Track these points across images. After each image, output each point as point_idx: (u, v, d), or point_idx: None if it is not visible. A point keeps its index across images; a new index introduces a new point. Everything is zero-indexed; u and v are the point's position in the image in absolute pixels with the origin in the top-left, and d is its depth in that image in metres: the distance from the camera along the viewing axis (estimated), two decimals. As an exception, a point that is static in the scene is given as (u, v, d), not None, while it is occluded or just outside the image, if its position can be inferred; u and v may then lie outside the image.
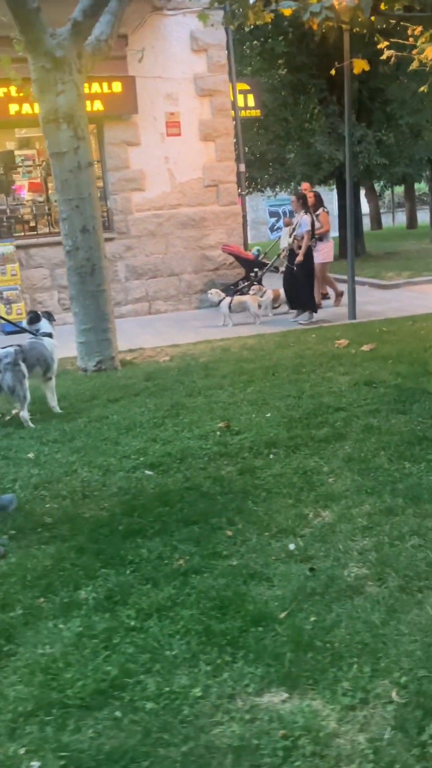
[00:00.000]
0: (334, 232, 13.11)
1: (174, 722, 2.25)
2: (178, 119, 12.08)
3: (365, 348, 7.43)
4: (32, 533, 3.65)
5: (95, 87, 11.26)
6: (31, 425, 5.52)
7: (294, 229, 9.89)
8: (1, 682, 2.48)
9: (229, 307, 10.19)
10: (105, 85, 11.37)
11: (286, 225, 10.53)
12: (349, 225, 9.66)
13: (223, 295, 10.40)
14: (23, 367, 5.43)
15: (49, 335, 6.01)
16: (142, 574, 3.16)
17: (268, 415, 5.33)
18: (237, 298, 10.46)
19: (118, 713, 2.30)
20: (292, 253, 9.92)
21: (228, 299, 10.27)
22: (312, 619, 2.75)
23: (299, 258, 9.65)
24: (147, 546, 3.41)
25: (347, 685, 2.36)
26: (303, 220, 9.73)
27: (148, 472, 4.38)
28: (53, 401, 5.97)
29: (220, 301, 10.24)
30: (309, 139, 16.11)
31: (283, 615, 2.78)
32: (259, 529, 3.54)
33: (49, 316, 6.36)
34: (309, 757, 2.08)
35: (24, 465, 4.64)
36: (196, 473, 4.30)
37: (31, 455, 4.81)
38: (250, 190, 19.12)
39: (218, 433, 5.00)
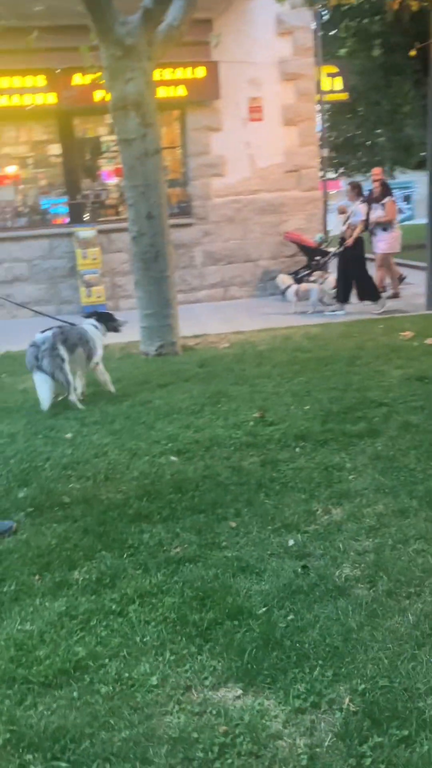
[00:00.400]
0: (423, 219, 12.68)
1: (123, 708, 2.29)
2: (260, 104, 11.98)
3: (429, 341, 7.18)
4: (48, 511, 3.78)
5: (179, 72, 11.34)
6: (80, 407, 5.68)
7: (348, 218, 9.67)
8: (-25, 653, 2.60)
9: (296, 295, 10.08)
10: (189, 70, 11.41)
11: (340, 213, 10.30)
12: (429, 212, 9.34)
13: (290, 282, 10.30)
14: (62, 350, 5.53)
15: (94, 326, 6.05)
16: (137, 559, 3.22)
17: (307, 407, 5.26)
18: (303, 285, 10.33)
19: (75, 694, 2.37)
20: (343, 242, 9.74)
21: (295, 286, 10.17)
22: (289, 617, 2.73)
23: (348, 242, 9.54)
24: (150, 531, 3.47)
25: (302, 688, 2.33)
26: (357, 209, 9.58)
27: (172, 458, 4.43)
28: (107, 384, 6.09)
29: (287, 288, 10.15)
30: (400, 123, 15.57)
31: (261, 611, 2.77)
32: (263, 522, 3.52)
33: (108, 318, 6.32)
34: (244, 755, 2.08)
35: (60, 445, 4.80)
36: (218, 462, 4.32)
37: (69, 435, 4.97)
38: (338, 174, 18.73)
39: (251, 423, 4.98)
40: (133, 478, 4.15)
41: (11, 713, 2.28)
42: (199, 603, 2.83)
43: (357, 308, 9.95)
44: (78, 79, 10.97)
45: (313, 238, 12.13)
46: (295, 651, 2.52)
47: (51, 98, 11.22)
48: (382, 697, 2.27)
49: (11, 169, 12.12)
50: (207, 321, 9.90)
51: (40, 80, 11.11)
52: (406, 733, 2.12)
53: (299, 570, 3.06)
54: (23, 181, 12.23)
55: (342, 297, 9.89)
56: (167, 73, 11.27)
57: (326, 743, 2.10)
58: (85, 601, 2.90)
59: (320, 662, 2.46)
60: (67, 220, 12.02)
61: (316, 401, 5.40)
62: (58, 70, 10.97)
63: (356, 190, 9.83)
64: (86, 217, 12.03)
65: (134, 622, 2.74)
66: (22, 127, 12.01)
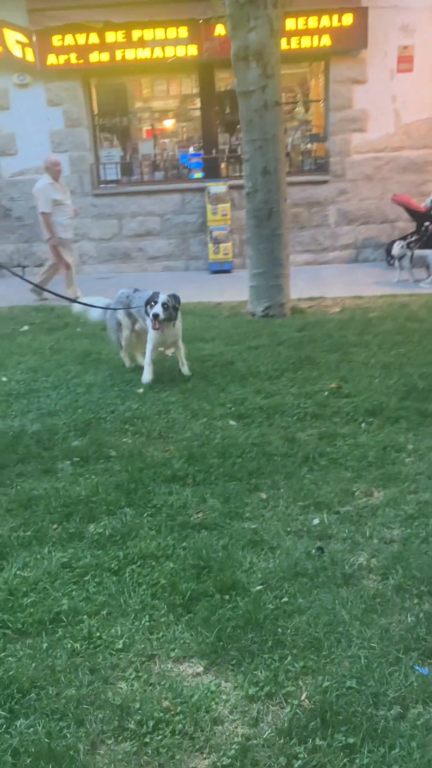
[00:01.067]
0: None
1: (82, 667, 2.29)
2: (411, 53, 11.16)
3: None
4: (92, 463, 3.84)
5: (324, 20, 10.81)
6: (127, 365, 5.63)
7: None
8: (-31, 591, 2.70)
9: (410, 261, 9.45)
10: (335, 17, 10.83)
11: None
12: None
13: (405, 248, 9.65)
14: (119, 313, 5.46)
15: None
16: (155, 520, 3.20)
17: (392, 381, 4.93)
18: (418, 252, 9.64)
19: (44, 645, 2.40)
20: None
21: (409, 252, 9.51)
22: (282, 599, 2.59)
23: None
24: (178, 493, 3.43)
25: (263, 675, 2.21)
26: None
27: (231, 422, 4.34)
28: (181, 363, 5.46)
29: (402, 256, 9.52)
30: None
31: (256, 589, 2.65)
32: (295, 497, 3.36)
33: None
34: (177, 735, 2.01)
35: (129, 399, 4.85)
36: (274, 431, 4.17)
37: (140, 390, 5.01)
38: None
39: (326, 393, 4.75)
40: (183, 439, 4.10)
41: (-23, 655, 2.35)
42: (196, 572, 2.76)
43: None
44: (220, 30, 10.77)
45: (423, 203, 11.23)
46: (273, 636, 2.39)
47: (192, 50, 11.14)
48: (343, 699, 2.10)
49: (152, 123, 12.25)
50: (330, 284, 9.56)
51: (183, 31, 11.04)
52: (351, 740, 1.95)
53: (313, 551, 2.90)
54: (163, 135, 12.33)
55: None
56: (311, 22, 10.78)
57: (264, 736, 1.99)
58: (89, 555, 2.93)
59: (294, 652, 2.32)
60: (202, 174, 11.99)
61: (404, 375, 5.05)
62: (201, 21, 10.83)
63: None
64: (220, 173, 11.93)
65: (126, 583, 2.72)
66: (164, 80, 12.04)
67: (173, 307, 5.07)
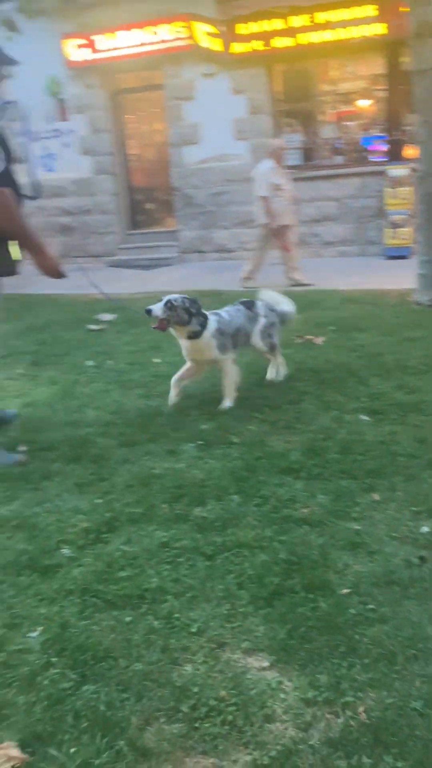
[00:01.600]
0: None
1: (155, 645, 2.38)
2: None
3: None
4: (214, 447, 3.92)
5: None
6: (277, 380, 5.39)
7: None
8: (70, 563, 2.89)
9: None
10: None
11: None
12: None
13: None
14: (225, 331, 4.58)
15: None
16: (260, 510, 3.21)
17: None
18: None
19: (127, 619, 2.52)
20: None
21: None
22: (368, 606, 2.50)
23: None
24: (289, 486, 3.41)
25: (327, 680, 2.16)
26: None
27: (363, 417, 4.21)
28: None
29: None
30: None
31: (343, 591, 2.58)
32: (409, 502, 3.20)
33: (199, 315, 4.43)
34: (226, 725, 2.03)
35: (267, 387, 4.87)
36: (407, 429, 3.98)
37: (277, 378, 5.01)
38: None
39: None
40: (308, 431, 4.05)
41: (66, 619, 2.52)
42: (286, 567, 2.74)
43: None
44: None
45: None
46: (347, 642, 2.32)
47: (379, 29, 10.77)
48: (403, 720, 1.99)
49: (335, 106, 12.05)
50: None
51: (369, 10, 10.70)
52: (399, 765, 1.85)
53: (414, 560, 2.75)
54: (345, 119, 12.08)
55: None
56: None
57: (310, 742, 1.94)
58: (189, 538, 3.01)
59: (365, 661, 2.23)
60: (385, 158, 11.60)
61: None
62: (390, -2, 10.42)
63: None
64: (402, 155, 11.47)
65: (216, 570, 2.77)
66: (348, 62, 11.76)
67: (184, 309, 4.32)
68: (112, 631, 2.45)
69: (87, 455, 3.93)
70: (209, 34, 11.72)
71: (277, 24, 11.38)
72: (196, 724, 2.04)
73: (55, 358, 6.26)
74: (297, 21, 11.25)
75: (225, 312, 4.66)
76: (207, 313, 4.48)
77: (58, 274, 3.91)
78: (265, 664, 2.27)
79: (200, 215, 12.75)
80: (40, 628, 2.49)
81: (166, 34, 11.89)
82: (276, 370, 5.00)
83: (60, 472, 3.75)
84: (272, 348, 4.88)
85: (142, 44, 12.09)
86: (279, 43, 11.48)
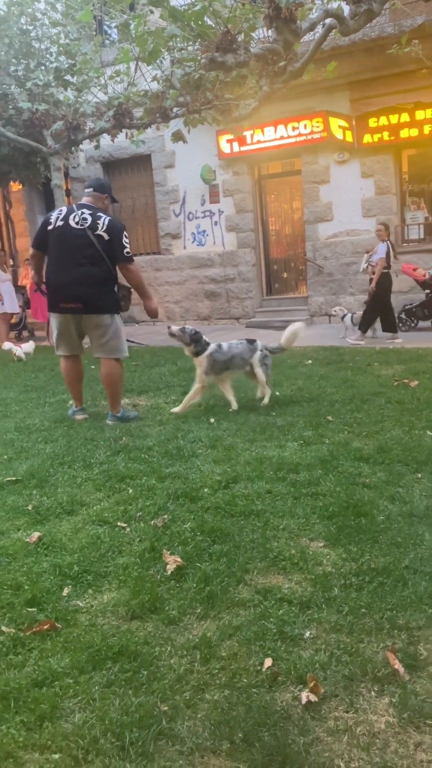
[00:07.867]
0: None
1: (257, 531, 3.93)
2: None
3: None
4: (311, 445, 5.45)
5: None
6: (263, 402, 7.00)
7: (371, 256, 11.51)
8: (209, 496, 4.52)
9: (351, 321, 11.62)
10: None
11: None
12: None
13: (345, 310, 12.00)
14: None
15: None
16: (335, 477, 4.69)
17: None
18: (358, 313, 11.59)
19: (241, 522, 4.10)
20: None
21: (350, 314, 11.68)
22: (394, 526, 3.92)
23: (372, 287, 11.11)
24: (359, 467, 4.87)
25: (355, 549, 3.62)
26: (379, 247, 11.12)
27: (428, 432, 5.59)
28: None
29: (344, 316, 11.76)
30: None
31: (380, 518, 4.02)
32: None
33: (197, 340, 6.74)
34: (294, 566, 3.54)
35: (360, 411, 6.36)
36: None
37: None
38: None
39: None
40: (383, 439, 5.49)
41: (206, 520, 4.14)
42: (345, 506, 4.21)
43: None
44: None
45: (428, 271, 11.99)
46: (373, 538, 3.76)
47: None
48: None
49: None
50: None
51: None
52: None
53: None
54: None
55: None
56: None
57: (341, 570, 3.42)
58: (284, 489, 4.55)
59: (381, 546, 3.66)
60: None
61: None
62: None
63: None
64: None
65: (299, 503, 4.29)
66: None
67: (189, 335, 6.60)
68: (233, 526, 4.04)
69: (221, 445, 5.58)
70: (342, 127, 13.64)
71: (404, 117, 13.12)
72: (280, 565, 3.56)
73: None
74: (421, 114, 12.94)
75: (227, 344, 6.79)
76: (210, 342, 6.70)
77: (155, 315, 6.40)
78: (321, 544, 3.77)
79: (329, 282, 14.46)
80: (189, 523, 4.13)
81: (304, 128, 13.94)
82: (264, 393, 6.92)
83: (201, 453, 5.42)
84: (266, 373, 6.86)
85: (283, 137, 14.21)
86: (405, 133, 13.19)
